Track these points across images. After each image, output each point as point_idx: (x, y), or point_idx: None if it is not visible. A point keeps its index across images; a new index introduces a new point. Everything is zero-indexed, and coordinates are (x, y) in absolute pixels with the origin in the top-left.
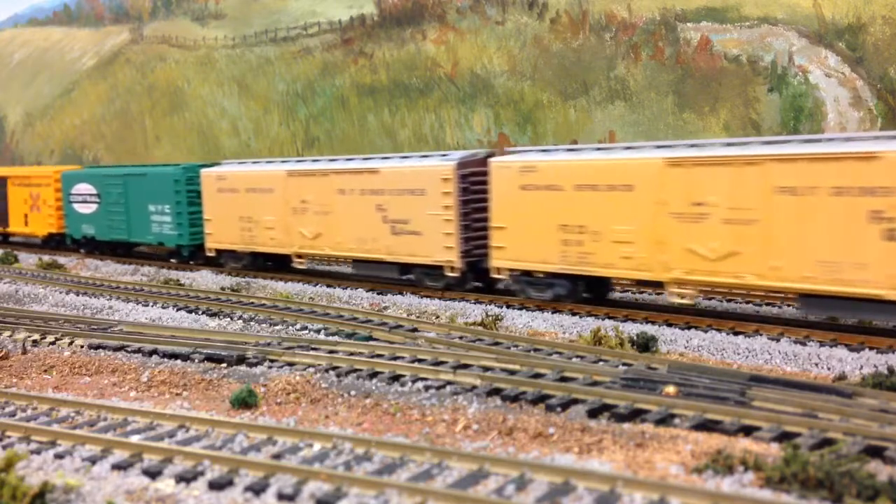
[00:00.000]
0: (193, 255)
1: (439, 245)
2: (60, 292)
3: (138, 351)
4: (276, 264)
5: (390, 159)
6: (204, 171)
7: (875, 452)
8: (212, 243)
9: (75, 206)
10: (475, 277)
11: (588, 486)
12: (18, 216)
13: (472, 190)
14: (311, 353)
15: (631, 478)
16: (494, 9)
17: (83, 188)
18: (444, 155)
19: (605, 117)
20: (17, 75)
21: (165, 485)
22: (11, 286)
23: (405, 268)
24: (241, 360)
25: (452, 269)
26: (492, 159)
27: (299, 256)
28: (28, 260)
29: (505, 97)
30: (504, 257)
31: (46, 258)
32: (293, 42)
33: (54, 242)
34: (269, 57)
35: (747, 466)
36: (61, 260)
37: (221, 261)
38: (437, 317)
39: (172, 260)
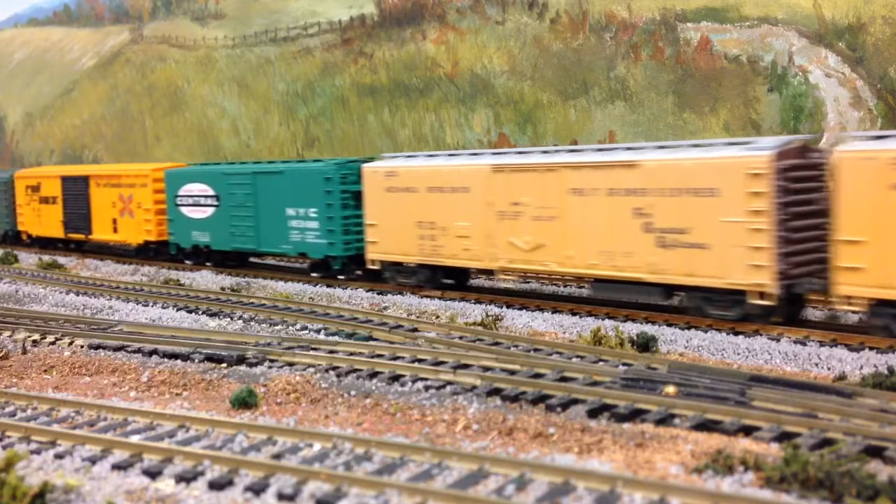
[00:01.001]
0: (345, 268)
1: (739, 262)
2: (60, 292)
3: (138, 351)
4: (458, 281)
5: (655, 149)
6: (367, 166)
7: (875, 452)
8: (375, 254)
9: (183, 209)
10: (794, 309)
11: (588, 486)
12: (104, 221)
13: (795, 189)
14: (311, 353)
15: (631, 478)
16: (494, 9)
17: (195, 189)
18: (740, 143)
19: (605, 117)
20: (17, 75)
21: (165, 485)
22: (11, 286)
23: (673, 290)
24: (241, 360)
25: (762, 294)
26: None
27: (506, 272)
28: (28, 260)
29: (505, 97)
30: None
31: (46, 258)
32: (293, 42)
33: (151, 252)
34: (269, 57)
35: (747, 466)
36: (61, 260)
37: (386, 276)
38: (437, 317)
39: (315, 274)
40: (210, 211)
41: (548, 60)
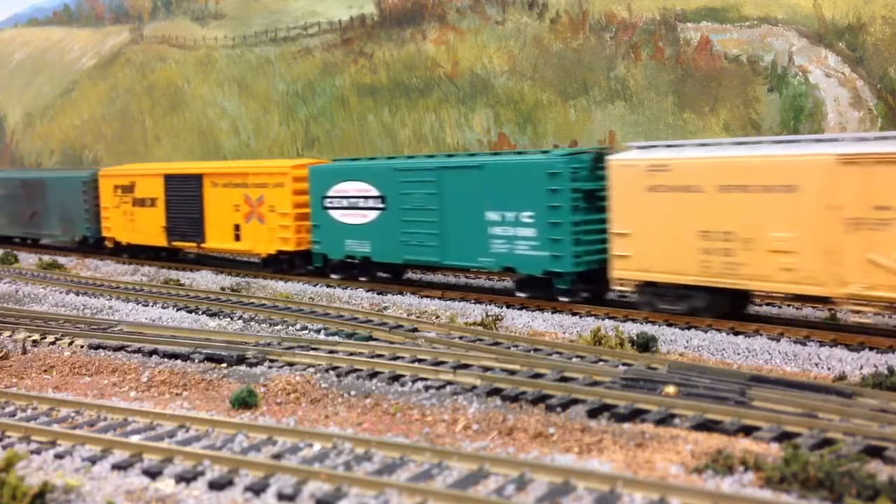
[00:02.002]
0: (572, 286)
1: None
2: (60, 292)
3: (138, 351)
4: (733, 306)
5: None
6: (617, 159)
7: (875, 452)
8: (627, 271)
9: (334, 213)
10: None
11: (588, 486)
12: (222, 227)
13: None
14: (311, 353)
15: (631, 478)
16: (494, 9)
17: (351, 188)
18: None
19: (605, 117)
20: (17, 75)
21: (165, 485)
22: (11, 286)
23: None
24: (241, 360)
25: None
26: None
27: (860, 301)
28: (28, 260)
29: (505, 97)
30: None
31: (46, 258)
32: (293, 42)
33: (284, 264)
34: (269, 57)
35: (747, 466)
36: (61, 260)
37: (638, 300)
38: (437, 317)
39: (521, 294)
40: (372, 215)
41: (548, 60)
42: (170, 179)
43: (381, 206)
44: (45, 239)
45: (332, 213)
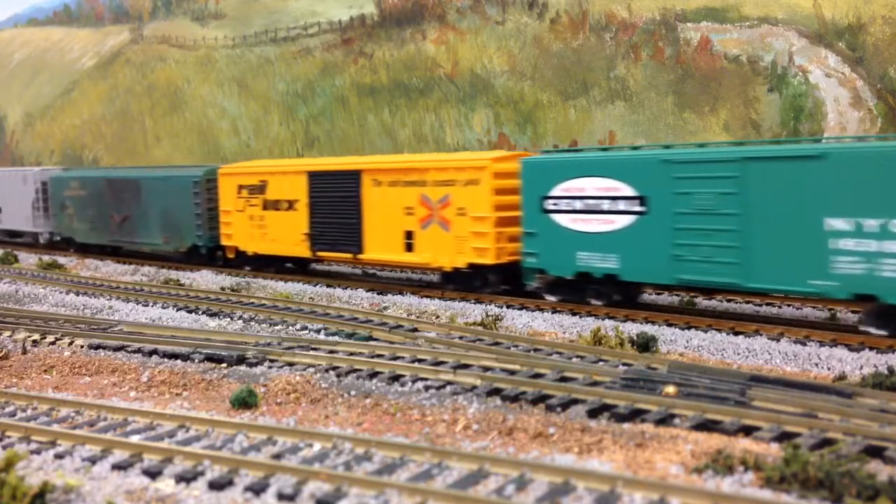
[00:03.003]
0: None
1: None
2: (60, 292)
3: (138, 351)
4: None
5: None
6: None
7: (875, 452)
8: None
9: (559, 217)
10: None
11: (588, 486)
12: (388, 235)
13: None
14: (311, 353)
15: (631, 478)
16: (494, 9)
17: (589, 186)
18: None
19: (605, 117)
20: (17, 75)
21: (165, 485)
22: (11, 286)
23: None
24: (241, 360)
25: None
26: None
27: None
28: (28, 260)
29: (505, 97)
30: None
31: (46, 258)
32: (293, 42)
33: (476, 281)
34: (269, 57)
35: (747, 466)
36: (61, 260)
37: None
38: (437, 317)
39: (878, 331)
40: (623, 221)
41: (548, 60)
42: (315, 177)
43: (638, 208)
44: (141, 248)
45: (557, 217)
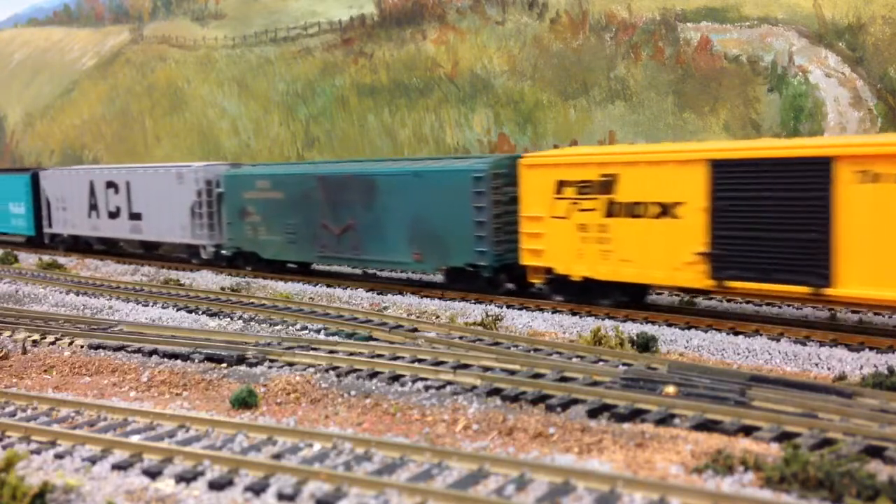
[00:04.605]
0: None
1: None
2: (60, 292)
3: (138, 351)
4: None
5: None
6: None
7: (875, 452)
8: None
9: None
10: None
11: (588, 486)
12: (888, 258)
13: None
14: (311, 353)
15: (631, 478)
16: (494, 9)
17: None
18: None
19: (605, 117)
20: (17, 75)
21: (165, 485)
22: (11, 286)
23: None
24: (241, 360)
25: None
26: None
27: None
28: (28, 260)
29: (505, 97)
30: None
31: (46, 258)
32: (293, 42)
33: None
34: (269, 57)
35: (747, 466)
36: (61, 260)
37: None
38: (437, 317)
39: None
40: None
41: (548, 60)
42: (724, 169)
43: None
44: (368, 266)
45: None
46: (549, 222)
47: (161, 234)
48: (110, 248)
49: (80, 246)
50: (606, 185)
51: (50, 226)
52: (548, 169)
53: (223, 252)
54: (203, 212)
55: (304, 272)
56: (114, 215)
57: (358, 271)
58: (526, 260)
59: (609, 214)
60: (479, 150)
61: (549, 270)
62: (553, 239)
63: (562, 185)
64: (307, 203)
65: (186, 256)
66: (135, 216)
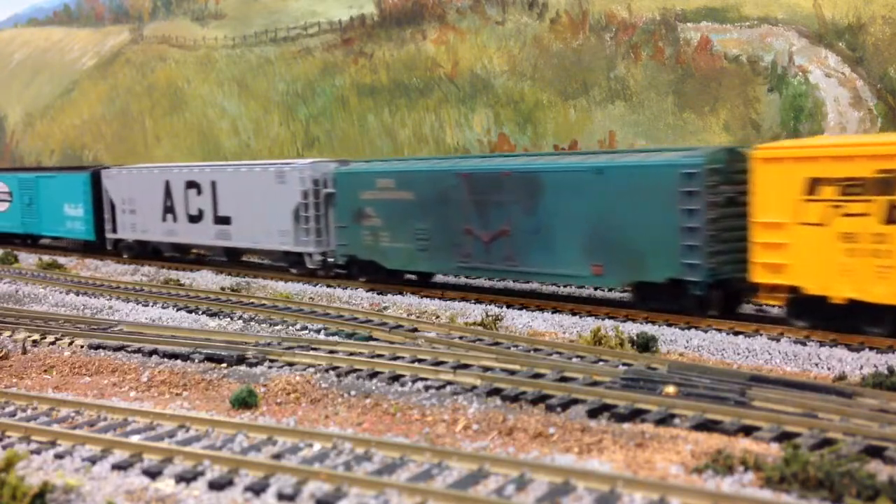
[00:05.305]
0: None
1: None
2: (60, 292)
3: (138, 351)
4: None
5: None
6: None
7: (875, 452)
8: None
9: None
10: None
11: (588, 486)
12: None
13: None
14: (311, 353)
15: (631, 478)
16: (494, 9)
17: None
18: None
19: (605, 117)
20: (17, 75)
21: (165, 485)
22: (11, 286)
23: None
24: (241, 360)
25: None
26: None
27: None
28: (28, 260)
29: (505, 97)
30: None
31: (46, 258)
32: (293, 42)
33: None
34: (269, 57)
35: (747, 466)
36: (61, 260)
37: None
38: (437, 317)
39: None
40: None
41: (548, 60)
42: None
43: None
44: (535, 280)
45: None
46: (795, 230)
47: (255, 241)
48: (184, 255)
49: (147, 253)
50: (886, 185)
51: (114, 230)
52: (795, 163)
53: (331, 260)
54: (309, 215)
55: (425, 283)
56: (195, 219)
57: None
58: (759, 276)
59: (891, 221)
60: (479, 149)
61: (793, 289)
62: (802, 251)
63: (816, 183)
64: (445, 204)
65: (285, 265)
66: (222, 220)
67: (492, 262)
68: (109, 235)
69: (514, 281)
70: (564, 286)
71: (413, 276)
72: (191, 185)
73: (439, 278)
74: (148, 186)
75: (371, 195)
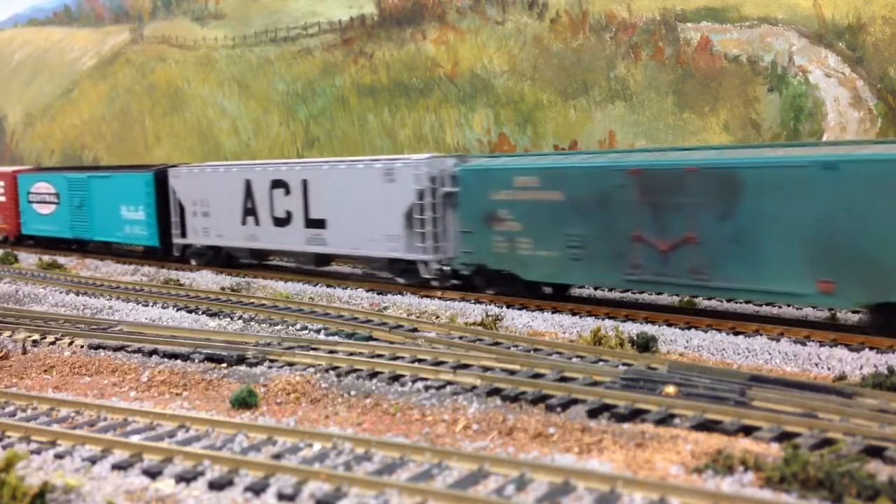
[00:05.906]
0: None
1: None
2: (60, 292)
3: (138, 351)
4: None
5: None
6: None
7: (875, 452)
8: None
9: None
10: None
11: (588, 486)
12: None
13: None
14: (311, 353)
15: (631, 478)
16: (494, 9)
17: None
18: None
19: (605, 117)
20: (17, 75)
21: (165, 485)
22: (11, 286)
23: None
24: (241, 360)
25: None
26: None
27: None
28: (28, 260)
29: (505, 97)
30: None
31: (46, 258)
32: (293, 42)
33: None
34: (269, 57)
35: (747, 466)
36: (61, 260)
37: None
38: (437, 317)
39: None
40: None
41: (548, 60)
42: None
43: None
44: (734, 297)
45: None
46: None
47: (356, 247)
48: (262, 263)
49: (220, 260)
50: None
51: (183, 235)
52: None
53: (447, 269)
54: (426, 218)
55: (560, 296)
56: (282, 222)
57: (358, 270)
58: None
59: None
60: (480, 149)
61: None
62: None
63: None
64: (607, 206)
65: (390, 275)
66: (314, 223)
67: (672, 275)
68: (177, 241)
69: (705, 298)
70: (777, 306)
71: (549, 290)
72: (277, 184)
73: (591, 293)
74: (224, 186)
75: (506, 195)
